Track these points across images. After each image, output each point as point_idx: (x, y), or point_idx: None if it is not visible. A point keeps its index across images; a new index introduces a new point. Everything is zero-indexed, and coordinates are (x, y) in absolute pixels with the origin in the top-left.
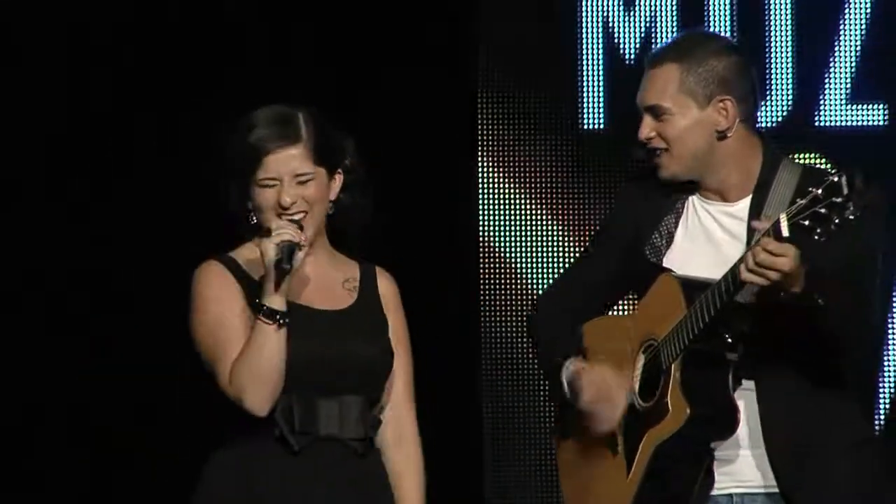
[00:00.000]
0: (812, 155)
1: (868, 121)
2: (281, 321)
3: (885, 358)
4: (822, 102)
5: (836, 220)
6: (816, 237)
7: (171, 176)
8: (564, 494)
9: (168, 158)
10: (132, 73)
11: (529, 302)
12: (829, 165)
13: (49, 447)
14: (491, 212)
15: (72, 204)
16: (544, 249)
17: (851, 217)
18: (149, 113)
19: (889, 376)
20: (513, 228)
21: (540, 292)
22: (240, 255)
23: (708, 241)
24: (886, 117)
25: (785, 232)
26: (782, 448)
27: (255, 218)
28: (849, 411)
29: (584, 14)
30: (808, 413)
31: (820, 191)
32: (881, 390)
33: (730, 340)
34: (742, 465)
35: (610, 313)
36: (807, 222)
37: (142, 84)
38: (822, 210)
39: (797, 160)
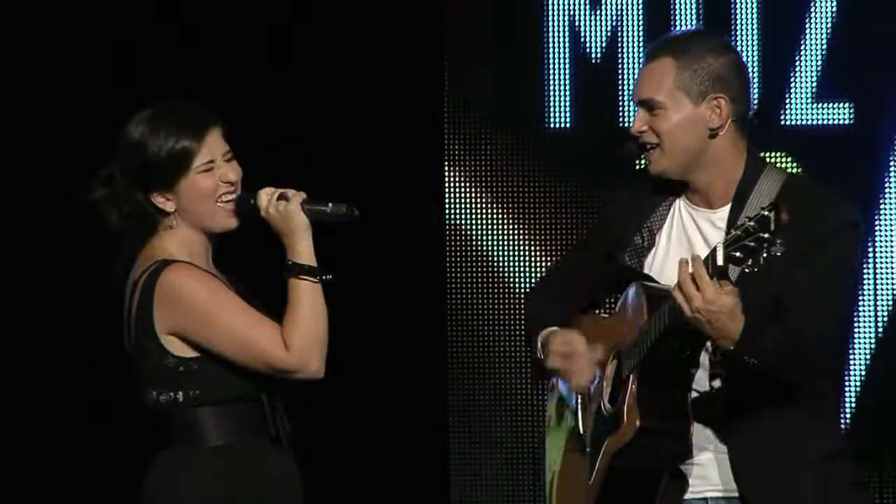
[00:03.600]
0: (778, 154)
1: (834, 119)
2: (325, 277)
3: (848, 368)
4: (788, 101)
5: (764, 255)
6: (747, 269)
7: None
8: (547, 482)
9: None
10: (132, 74)
11: (497, 302)
12: (796, 168)
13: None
14: (457, 210)
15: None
16: (511, 248)
17: (778, 254)
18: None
19: (852, 385)
20: (479, 226)
21: (508, 293)
22: (169, 249)
23: (689, 247)
24: (852, 116)
25: (720, 261)
26: (744, 455)
27: (174, 214)
28: (818, 423)
29: (550, 13)
30: (776, 425)
31: (752, 222)
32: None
33: (686, 354)
34: (714, 469)
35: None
36: (738, 253)
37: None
38: (752, 243)
39: (781, 167)
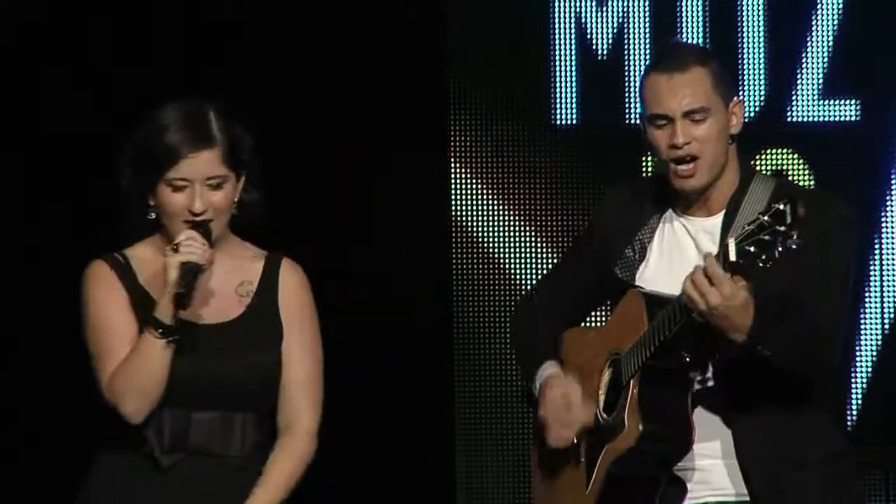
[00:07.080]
0: (785, 150)
1: (840, 116)
2: (170, 338)
3: (854, 367)
4: (794, 98)
5: (780, 248)
6: (761, 264)
7: None
8: (533, 499)
9: None
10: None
11: (502, 300)
12: (803, 165)
13: None
14: (463, 207)
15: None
16: (517, 245)
17: (794, 247)
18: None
19: (858, 384)
20: (485, 224)
21: (514, 290)
22: (134, 254)
23: (682, 257)
24: (858, 112)
25: (732, 256)
26: (753, 459)
27: (154, 214)
28: (821, 425)
29: (556, 10)
30: (780, 427)
31: (766, 217)
32: (850, 398)
33: (688, 359)
34: (716, 474)
35: (589, 324)
36: (752, 248)
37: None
38: (767, 237)
39: (767, 172)
